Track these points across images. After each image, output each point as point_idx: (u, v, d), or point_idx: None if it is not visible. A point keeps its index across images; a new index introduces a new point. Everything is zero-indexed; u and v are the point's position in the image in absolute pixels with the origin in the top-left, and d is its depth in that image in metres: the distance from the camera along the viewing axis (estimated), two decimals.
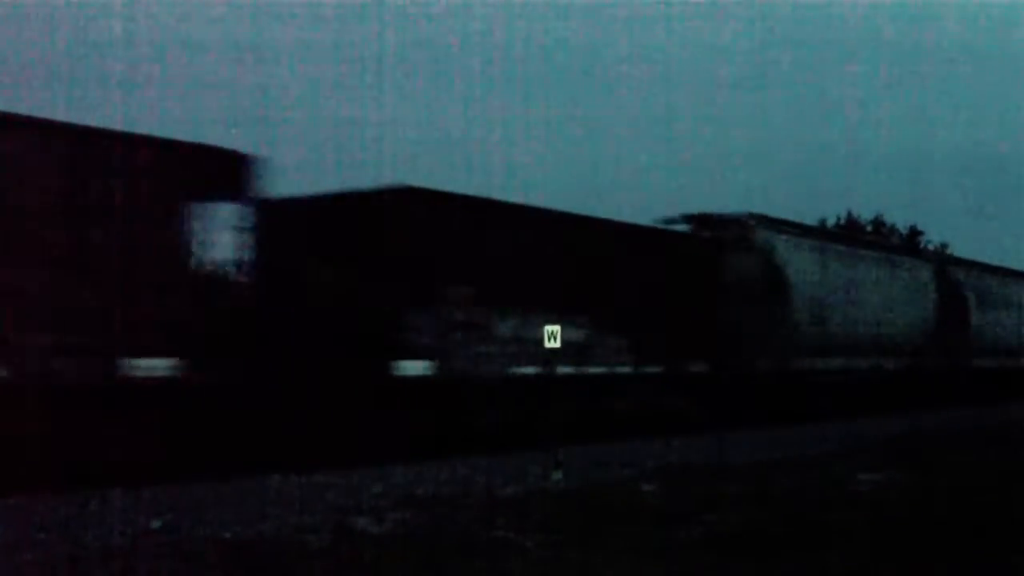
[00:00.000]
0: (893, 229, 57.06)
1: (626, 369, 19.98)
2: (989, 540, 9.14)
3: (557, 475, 13.28)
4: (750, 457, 15.43)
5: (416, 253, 16.57)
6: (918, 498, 11.51)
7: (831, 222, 55.62)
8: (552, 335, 14.67)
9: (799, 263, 25.68)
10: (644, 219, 23.16)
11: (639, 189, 59.97)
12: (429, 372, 16.36)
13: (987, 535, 9.34)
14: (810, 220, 55.60)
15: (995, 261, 37.80)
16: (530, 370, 17.38)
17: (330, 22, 65.95)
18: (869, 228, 56.16)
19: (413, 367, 16.22)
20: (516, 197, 20.46)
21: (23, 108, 12.76)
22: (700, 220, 23.92)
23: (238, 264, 14.44)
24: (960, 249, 55.96)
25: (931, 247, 57.41)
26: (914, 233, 57.50)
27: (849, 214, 56.10)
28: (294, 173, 17.32)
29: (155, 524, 9.42)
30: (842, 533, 9.26)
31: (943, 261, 34.66)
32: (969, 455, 16.21)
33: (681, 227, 23.69)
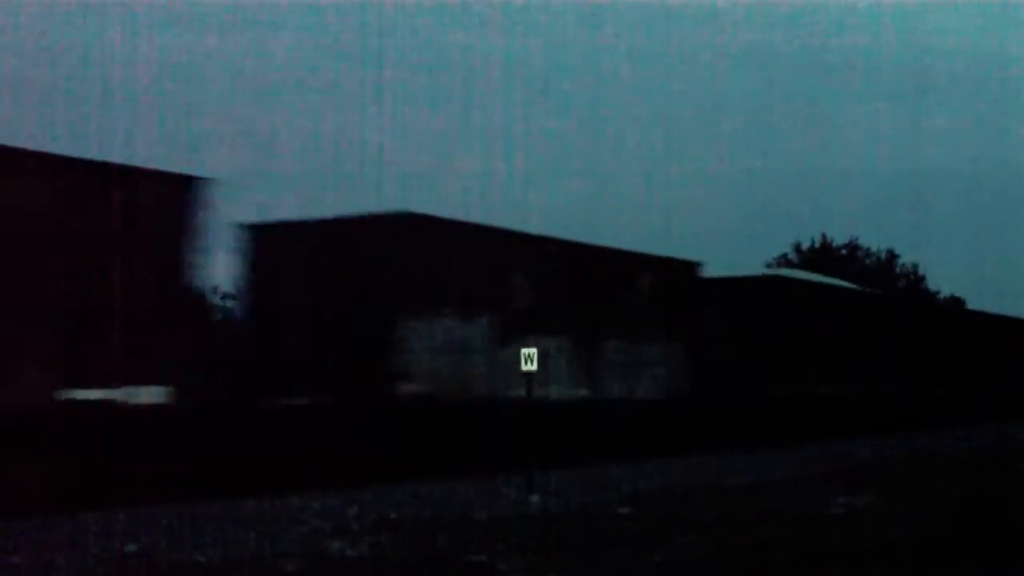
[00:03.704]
0: (869, 252, 57.25)
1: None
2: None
3: (533, 498, 13.26)
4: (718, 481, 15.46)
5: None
6: None
7: (806, 245, 55.82)
8: (529, 357, 14.61)
9: None
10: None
11: (603, 209, 60.10)
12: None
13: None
14: (785, 243, 55.90)
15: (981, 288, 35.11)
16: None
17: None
18: (843, 252, 56.32)
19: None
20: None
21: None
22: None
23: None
24: (955, 280, 55.84)
25: (906, 266, 57.57)
26: (892, 256, 57.64)
27: (824, 237, 56.26)
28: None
29: (130, 547, 9.38)
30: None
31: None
32: None
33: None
